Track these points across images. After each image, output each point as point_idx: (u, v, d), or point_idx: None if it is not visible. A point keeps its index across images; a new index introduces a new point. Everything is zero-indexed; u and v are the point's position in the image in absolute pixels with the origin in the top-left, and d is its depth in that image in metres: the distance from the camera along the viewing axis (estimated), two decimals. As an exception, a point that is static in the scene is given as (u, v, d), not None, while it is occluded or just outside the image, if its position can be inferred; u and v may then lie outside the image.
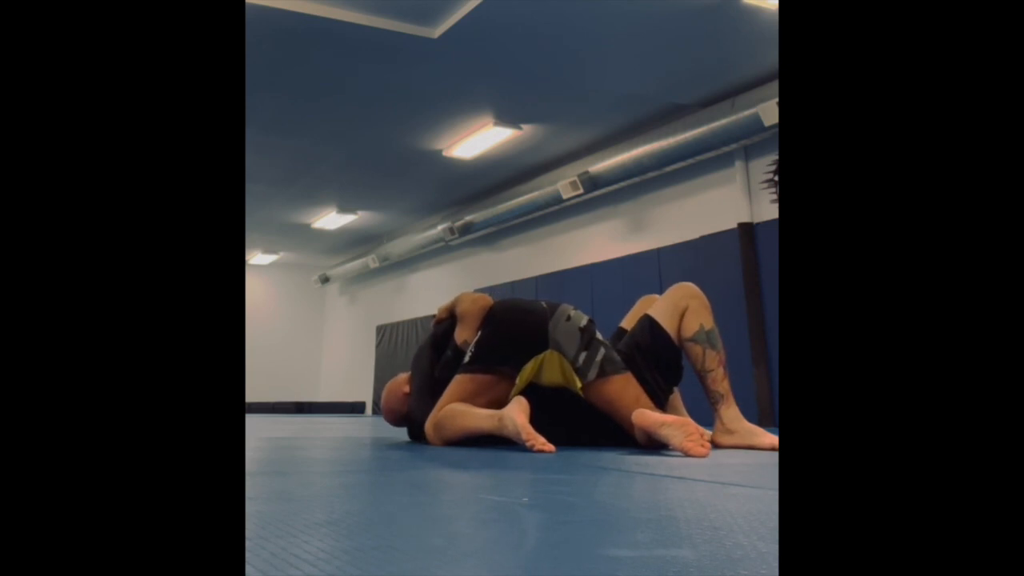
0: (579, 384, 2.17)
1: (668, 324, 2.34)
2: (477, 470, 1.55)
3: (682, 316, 2.34)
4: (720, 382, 2.28)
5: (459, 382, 2.26)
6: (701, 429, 1.85)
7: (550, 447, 1.92)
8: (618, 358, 2.21)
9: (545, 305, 2.30)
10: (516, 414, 2.00)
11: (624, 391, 2.15)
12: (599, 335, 2.25)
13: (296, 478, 1.39)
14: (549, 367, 2.22)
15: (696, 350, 2.30)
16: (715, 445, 2.20)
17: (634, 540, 0.69)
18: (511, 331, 2.27)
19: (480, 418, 2.12)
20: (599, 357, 2.18)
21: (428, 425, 2.27)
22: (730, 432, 2.22)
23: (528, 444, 1.93)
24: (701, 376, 2.30)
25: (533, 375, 2.22)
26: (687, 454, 1.80)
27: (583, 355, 2.18)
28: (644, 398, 2.16)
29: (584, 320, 2.25)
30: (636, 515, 0.86)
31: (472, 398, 2.22)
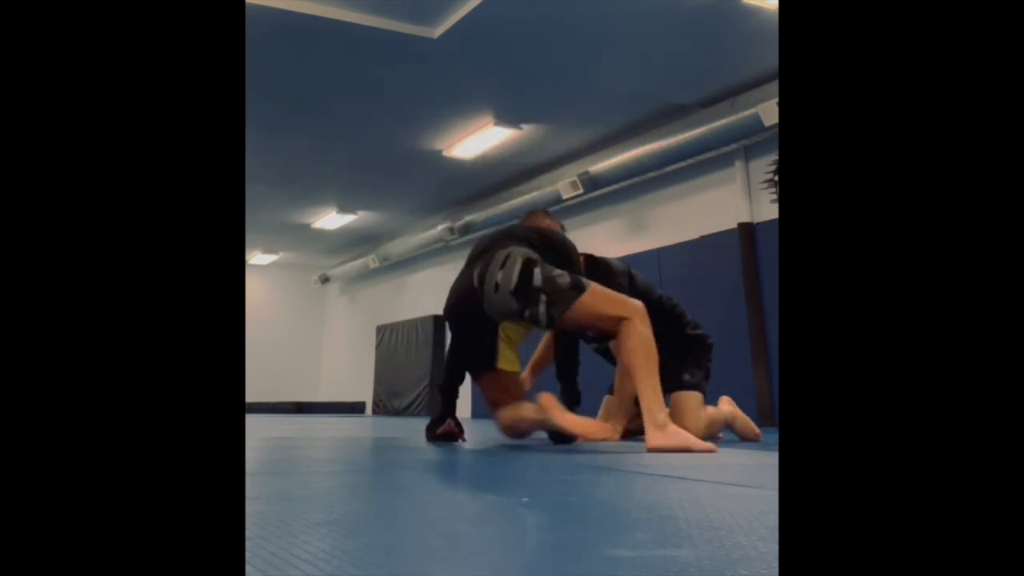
0: (543, 327, 2.27)
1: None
2: (477, 470, 1.55)
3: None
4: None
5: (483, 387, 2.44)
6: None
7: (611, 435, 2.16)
8: (566, 284, 2.20)
9: (476, 280, 2.27)
10: (555, 413, 2.17)
11: (588, 308, 2.20)
12: (538, 273, 2.20)
13: (296, 478, 1.39)
14: (514, 334, 2.31)
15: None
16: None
17: (634, 540, 0.69)
18: (460, 346, 2.44)
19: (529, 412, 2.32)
20: (542, 308, 2.17)
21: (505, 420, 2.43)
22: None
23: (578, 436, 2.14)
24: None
25: (514, 352, 2.34)
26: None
27: (527, 312, 2.19)
28: (614, 297, 2.25)
29: (515, 275, 2.19)
30: (636, 515, 0.86)
31: (500, 395, 2.37)
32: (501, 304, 2.19)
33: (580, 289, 2.18)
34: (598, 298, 2.20)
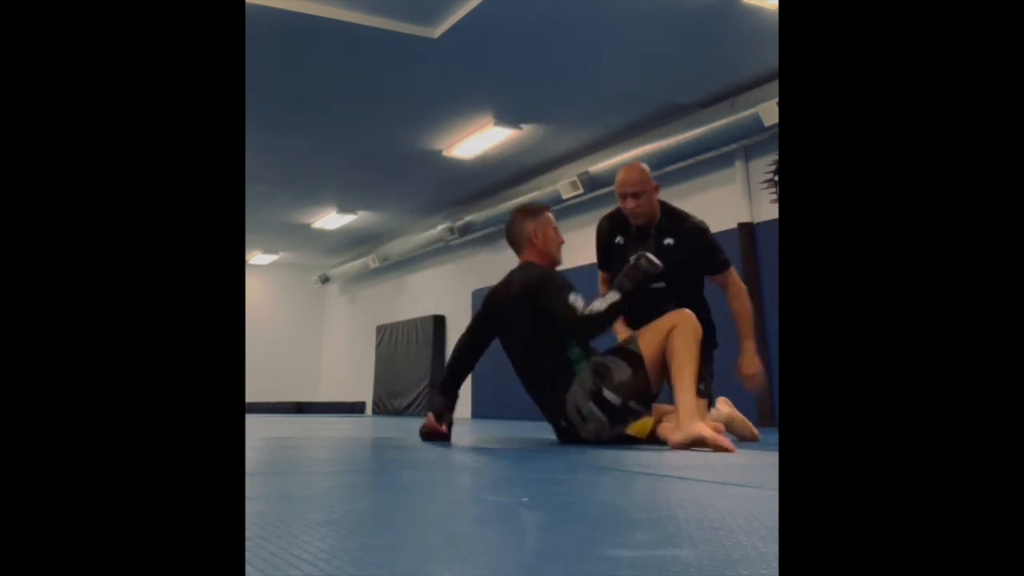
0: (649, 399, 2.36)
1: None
2: (477, 470, 1.55)
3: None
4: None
5: None
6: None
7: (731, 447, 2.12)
8: (629, 374, 2.32)
9: (577, 430, 2.38)
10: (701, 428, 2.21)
11: (652, 359, 2.30)
12: (609, 394, 2.32)
13: (296, 478, 1.39)
14: (643, 426, 2.36)
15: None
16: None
17: (634, 540, 0.69)
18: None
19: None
20: (633, 404, 2.31)
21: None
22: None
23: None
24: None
25: (650, 426, 2.38)
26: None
27: (631, 418, 2.33)
28: (657, 328, 2.35)
29: (599, 415, 2.31)
30: (636, 515, 0.86)
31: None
32: (608, 434, 2.34)
33: (639, 360, 2.31)
34: (649, 342, 2.33)
